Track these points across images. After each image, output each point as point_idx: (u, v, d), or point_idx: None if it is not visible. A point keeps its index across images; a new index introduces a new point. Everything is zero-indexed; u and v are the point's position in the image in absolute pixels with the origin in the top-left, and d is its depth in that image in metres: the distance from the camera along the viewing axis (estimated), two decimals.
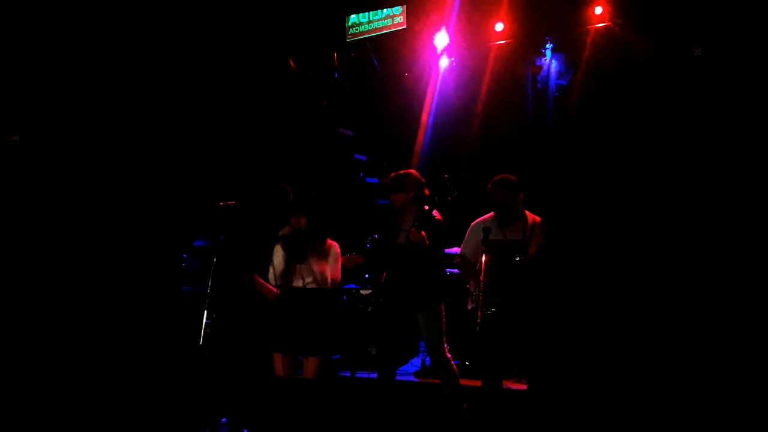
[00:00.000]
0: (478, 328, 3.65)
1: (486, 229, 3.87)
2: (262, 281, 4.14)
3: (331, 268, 4.07)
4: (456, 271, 5.21)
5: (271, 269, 4.12)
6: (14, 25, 5.06)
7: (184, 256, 5.36)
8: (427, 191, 4.16)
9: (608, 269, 3.81)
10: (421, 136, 7.21)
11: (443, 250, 4.20)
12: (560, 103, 6.62)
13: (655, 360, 3.87)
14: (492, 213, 4.15)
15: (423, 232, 3.89)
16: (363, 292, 5.64)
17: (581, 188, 5.52)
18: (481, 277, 3.67)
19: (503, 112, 6.77)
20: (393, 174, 4.16)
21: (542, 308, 3.78)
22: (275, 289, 4.08)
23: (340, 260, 4.17)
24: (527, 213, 4.09)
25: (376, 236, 5.36)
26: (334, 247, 4.17)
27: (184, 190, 5.57)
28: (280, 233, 4.11)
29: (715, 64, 5.48)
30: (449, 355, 4.09)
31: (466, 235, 4.23)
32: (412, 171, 4.19)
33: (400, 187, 4.09)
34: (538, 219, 4.06)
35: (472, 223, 4.21)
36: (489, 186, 4.08)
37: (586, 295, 3.64)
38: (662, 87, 5.70)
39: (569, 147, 5.90)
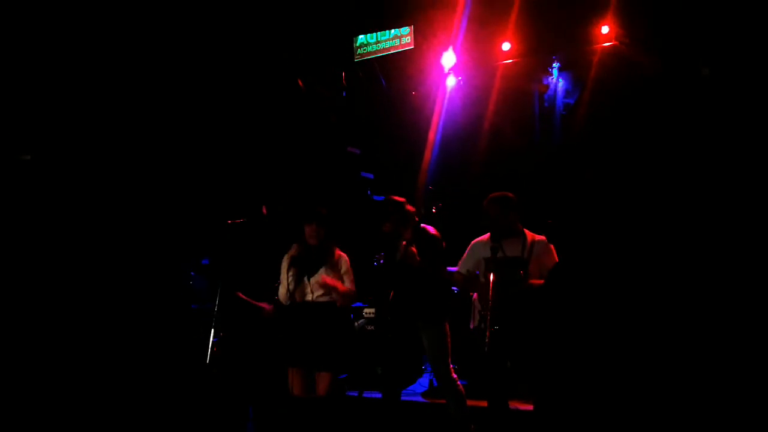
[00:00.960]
0: (486, 348, 3.65)
1: (494, 248, 3.89)
2: (247, 298, 4.17)
3: (347, 279, 4.12)
4: (455, 288, 5.17)
5: (280, 288, 4.17)
6: (19, 31, 5.09)
7: (192, 274, 5.40)
8: (410, 207, 4.19)
9: (620, 287, 3.80)
10: (428, 154, 7.26)
11: (443, 265, 4.18)
12: (567, 122, 6.65)
13: (667, 382, 3.84)
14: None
15: (414, 249, 3.92)
16: (368, 311, 5.64)
17: (591, 205, 5.51)
18: (490, 295, 3.68)
19: (510, 131, 6.81)
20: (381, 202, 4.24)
21: (554, 326, 3.78)
22: (266, 305, 4.13)
23: (351, 272, 4.20)
24: (527, 232, 4.09)
25: (382, 256, 5.36)
26: (344, 258, 4.21)
27: (191, 207, 5.63)
28: (288, 255, 4.17)
29: (723, 83, 5.49)
30: (455, 375, 4.09)
31: (465, 253, 4.23)
32: (389, 197, 4.23)
33: (384, 215, 4.14)
34: (538, 238, 4.05)
35: (473, 241, 4.22)
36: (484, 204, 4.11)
37: (600, 314, 3.64)
38: (669, 106, 5.71)
39: (593, 168, 5.89)
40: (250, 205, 5.51)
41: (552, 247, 4.01)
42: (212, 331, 4.13)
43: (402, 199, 4.21)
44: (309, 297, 4.09)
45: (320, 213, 4.15)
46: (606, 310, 3.65)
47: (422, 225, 4.17)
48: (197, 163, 5.78)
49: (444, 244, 4.16)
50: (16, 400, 4.40)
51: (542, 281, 3.86)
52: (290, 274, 4.14)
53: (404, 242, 3.99)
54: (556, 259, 3.95)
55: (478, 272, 4.13)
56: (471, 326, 4.20)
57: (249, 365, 4.80)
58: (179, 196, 5.62)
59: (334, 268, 4.12)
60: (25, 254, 4.99)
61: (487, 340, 3.64)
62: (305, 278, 4.12)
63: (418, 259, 3.93)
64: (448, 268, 4.73)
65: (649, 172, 5.55)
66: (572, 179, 6.06)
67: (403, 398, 4.40)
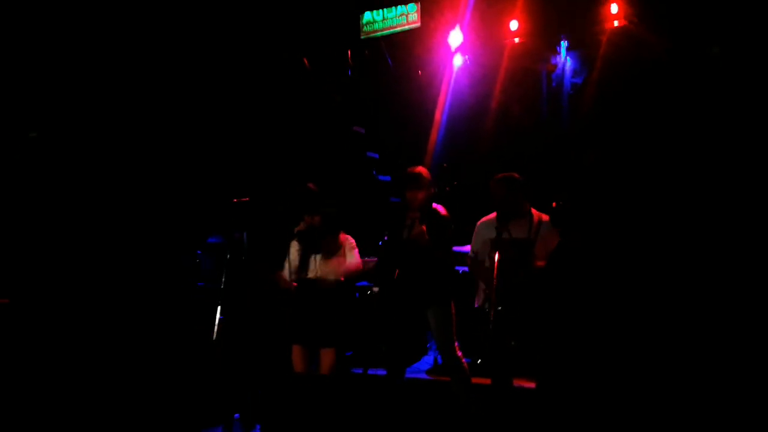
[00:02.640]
0: (490, 326, 3.69)
1: (499, 229, 3.92)
2: (286, 278, 4.23)
3: (350, 258, 4.20)
4: (465, 268, 5.24)
5: (286, 264, 4.23)
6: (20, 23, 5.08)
7: (199, 252, 5.48)
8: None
9: (620, 269, 3.82)
10: (435, 134, 7.23)
11: (450, 246, 4.22)
12: (575, 102, 6.61)
13: (668, 362, 3.87)
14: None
15: (424, 227, 3.94)
16: (375, 289, 5.68)
17: (596, 187, 5.50)
18: (494, 275, 3.71)
19: (517, 110, 6.78)
20: (409, 171, 4.16)
21: (555, 307, 3.81)
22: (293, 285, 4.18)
23: (356, 249, 4.26)
24: (533, 211, 4.11)
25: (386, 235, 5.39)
26: (349, 239, 4.28)
27: (197, 187, 5.65)
28: (295, 230, 4.23)
29: (733, 62, 5.42)
30: (460, 353, 4.13)
31: (474, 234, 4.26)
32: (423, 168, 4.21)
33: (420, 184, 4.10)
34: (545, 217, 4.07)
35: (479, 222, 4.25)
36: (490, 184, 4.13)
37: (601, 295, 3.66)
38: (679, 86, 5.65)
39: (596, 150, 5.87)
40: (254, 184, 5.55)
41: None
42: (219, 309, 4.18)
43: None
44: (313, 274, 4.17)
45: (316, 200, 4.18)
46: (605, 292, 3.69)
47: (433, 205, 4.18)
48: (201, 143, 5.77)
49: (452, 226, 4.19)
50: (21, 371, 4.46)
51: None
52: (295, 250, 4.21)
53: (415, 220, 3.99)
54: None
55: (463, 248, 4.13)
56: (476, 305, 4.25)
57: (253, 343, 4.85)
58: (184, 175, 5.64)
59: (337, 249, 4.19)
60: (21, 229, 5.03)
61: (491, 319, 3.68)
62: (311, 256, 4.18)
63: (426, 237, 3.95)
64: (456, 249, 4.74)
65: (657, 154, 5.52)
66: (578, 160, 6.04)
67: (407, 376, 4.45)
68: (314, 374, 4.15)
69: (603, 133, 6.06)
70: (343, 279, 4.17)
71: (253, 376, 4.69)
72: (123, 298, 5.11)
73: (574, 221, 3.92)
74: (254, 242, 4.88)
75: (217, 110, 5.93)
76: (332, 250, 4.21)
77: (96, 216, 5.30)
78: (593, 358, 3.71)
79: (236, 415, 4.50)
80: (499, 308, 3.80)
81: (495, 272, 3.72)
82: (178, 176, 5.62)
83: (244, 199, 4.42)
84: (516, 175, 4.10)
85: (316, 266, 4.18)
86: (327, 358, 4.10)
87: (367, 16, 6.97)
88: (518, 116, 6.74)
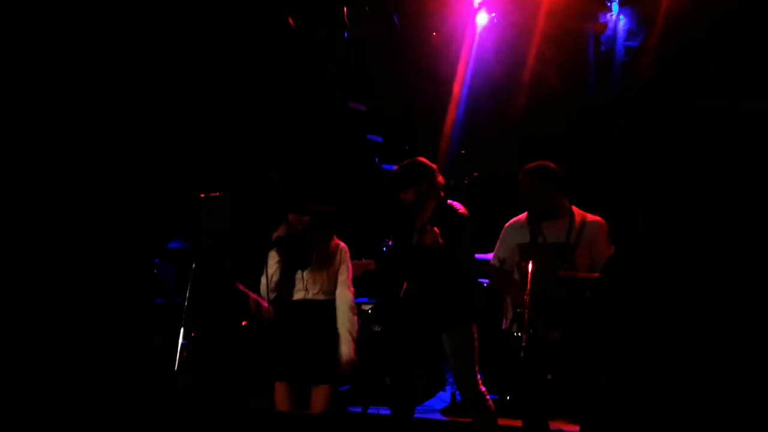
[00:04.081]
0: (521, 355, 3.72)
1: (533, 231, 3.97)
2: (249, 292, 4.28)
3: (343, 273, 4.21)
4: (486, 281, 5.27)
5: (263, 279, 4.23)
6: None
7: (156, 261, 5.48)
8: (441, 178, 4.26)
9: (701, 286, 3.82)
10: (453, 112, 7.28)
11: (471, 254, 4.28)
12: (629, 70, 6.65)
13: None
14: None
15: (437, 230, 3.97)
16: (366, 306, 5.76)
17: (659, 181, 5.51)
18: (527, 291, 3.75)
19: (557, 82, 6.83)
20: (397, 167, 4.27)
21: (606, 333, 3.83)
22: (265, 302, 4.20)
23: (351, 267, 4.28)
24: (574, 209, 4.14)
25: (391, 240, 5.47)
26: (342, 249, 4.28)
27: (154, 177, 5.59)
28: (274, 235, 4.24)
29: None
30: (483, 388, 4.15)
31: (500, 238, 4.30)
32: (419, 158, 4.28)
33: (407, 180, 4.17)
34: (589, 217, 4.11)
35: (507, 224, 4.30)
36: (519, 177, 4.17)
37: (670, 319, 3.67)
38: (760, 49, 5.68)
39: (627, 122, 5.87)
40: (227, 175, 5.56)
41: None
42: (182, 331, 4.19)
43: (433, 166, 4.25)
44: (302, 294, 4.19)
45: (306, 196, 4.21)
46: (678, 314, 3.68)
47: (449, 201, 4.24)
48: (159, 122, 5.69)
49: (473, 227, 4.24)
50: None
51: (594, 274, 3.88)
52: (275, 262, 4.21)
53: (425, 221, 4.06)
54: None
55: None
56: (503, 326, 4.28)
57: (226, 375, 4.89)
58: (138, 163, 5.53)
59: (330, 260, 4.20)
60: None
61: (522, 345, 3.72)
62: (296, 271, 4.21)
63: (441, 242, 3.99)
64: (479, 256, 4.79)
65: (737, 134, 5.53)
66: (635, 143, 6.08)
67: (418, 415, 4.50)
68: (303, 414, 4.19)
69: (665, 110, 6.07)
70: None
71: (225, 419, 4.69)
72: (56, 319, 4.94)
73: (638, 223, 3.96)
74: (225, 247, 4.96)
75: (177, 80, 5.82)
76: (323, 261, 4.21)
77: (26, 213, 5.23)
78: (657, 399, 3.75)
79: None
80: (532, 331, 3.80)
81: (528, 286, 3.76)
82: (130, 164, 5.48)
83: (214, 194, 4.42)
84: (551, 165, 4.13)
85: (304, 283, 4.19)
86: (319, 396, 4.14)
87: None
88: (558, 89, 6.77)
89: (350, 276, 4.27)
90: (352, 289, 4.27)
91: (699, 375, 3.66)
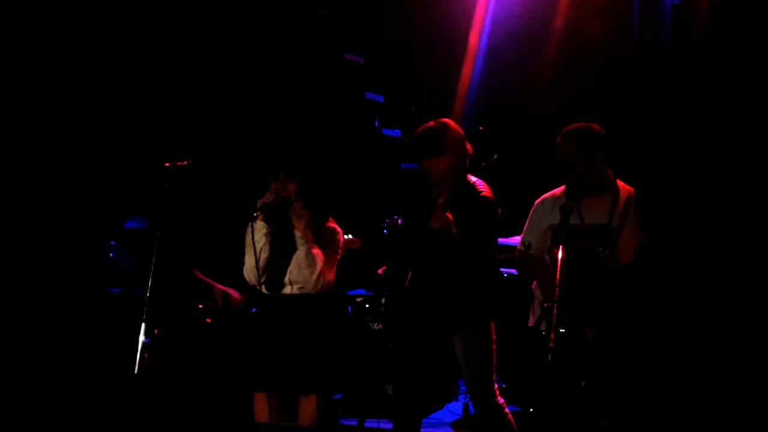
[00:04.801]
0: (549, 358, 3.63)
1: (566, 209, 3.89)
2: (212, 281, 4.22)
3: (325, 260, 4.14)
4: (514, 271, 5.34)
5: (248, 259, 4.19)
6: None
7: (112, 243, 5.41)
8: (470, 147, 4.21)
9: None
10: (469, 67, 7.22)
11: (492, 241, 4.23)
12: (682, 16, 6.53)
13: None
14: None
15: (449, 215, 3.93)
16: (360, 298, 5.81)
17: (710, 156, 5.40)
18: (556, 282, 3.68)
19: (594, 31, 6.72)
20: (422, 128, 4.19)
21: (646, 331, 3.86)
22: (235, 293, 4.20)
23: (339, 253, 4.25)
24: (620, 184, 4.13)
25: (398, 219, 5.47)
26: (335, 231, 4.26)
27: (108, 143, 5.54)
28: (259, 203, 4.16)
29: None
30: (501, 399, 4.14)
31: (529, 217, 4.30)
32: (447, 120, 4.24)
33: (439, 146, 4.09)
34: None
35: (537, 200, 4.30)
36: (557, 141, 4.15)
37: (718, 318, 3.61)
38: None
39: (678, 84, 5.69)
40: (198, 140, 5.46)
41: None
42: (143, 328, 4.11)
43: (460, 131, 4.17)
44: (285, 288, 4.17)
45: (293, 160, 4.17)
46: (728, 307, 3.64)
47: (470, 177, 4.19)
48: (111, 76, 5.62)
49: (499, 210, 4.17)
50: None
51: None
52: (263, 236, 4.15)
53: (440, 200, 4.02)
54: None
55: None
56: (529, 323, 4.29)
57: (195, 379, 4.85)
58: (87, 126, 5.49)
59: (321, 246, 4.16)
60: None
61: (550, 346, 3.61)
62: (280, 256, 4.15)
63: (454, 230, 3.94)
64: (502, 241, 4.87)
65: None
66: (686, 111, 5.94)
67: (424, 430, 4.44)
68: (288, 426, 4.21)
69: (725, 65, 5.90)
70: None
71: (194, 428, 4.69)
72: None
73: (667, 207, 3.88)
74: (193, 230, 4.81)
75: (132, 24, 5.77)
76: (315, 240, 4.17)
77: None
78: (704, 406, 3.72)
79: None
80: (562, 330, 3.77)
81: (558, 275, 3.68)
82: (78, 127, 5.46)
83: (180, 163, 4.32)
84: (597, 127, 4.09)
85: (287, 274, 4.15)
86: (308, 407, 4.13)
87: None
88: (596, 39, 6.68)
89: (334, 264, 4.22)
90: (331, 275, 4.20)
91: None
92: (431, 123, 4.20)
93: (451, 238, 3.95)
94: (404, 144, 4.38)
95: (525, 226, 4.32)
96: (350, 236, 5.09)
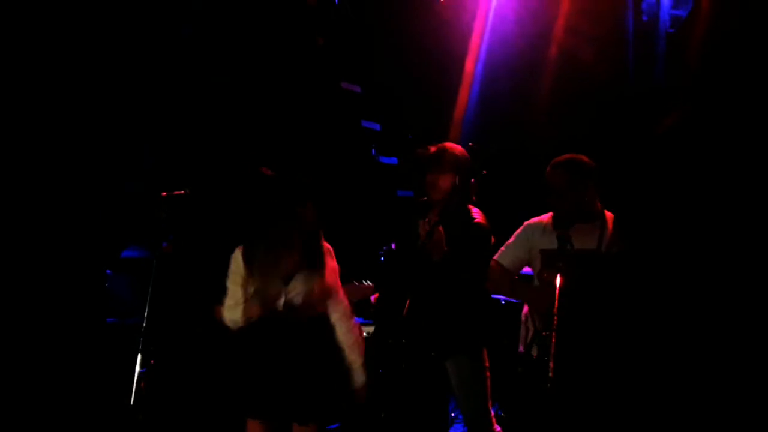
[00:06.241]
0: (547, 386, 3.65)
1: (562, 237, 3.89)
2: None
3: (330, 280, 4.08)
4: (512, 299, 5.32)
5: (230, 288, 4.06)
6: None
7: (108, 272, 5.44)
8: (474, 185, 4.35)
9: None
10: (465, 94, 7.28)
11: (484, 269, 4.24)
12: (676, 45, 6.62)
13: None
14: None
15: (441, 229, 3.96)
16: (369, 329, 5.71)
17: (697, 174, 5.45)
18: (555, 309, 3.69)
19: (590, 58, 6.78)
20: (439, 145, 4.33)
21: (638, 357, 3.82)
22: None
23: (337, 270, 4.13)
24: (607, 214, 4.18)
25: (393, 245, 5.40)
26: (329, 252, 4.17)
27: (106, 173, 5.56)
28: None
29: None
30: (498, 427, 4.17)
31: (514, 236, 4.31)
32: (454, 145, 4.36)
33: (450, 164, 4.23)
34: None
35: (526, 222, 4.31)
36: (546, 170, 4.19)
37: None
38: None
39: (673, 110, 5.79)
40: (195, 170, 5.59)
41: None
42: (139, 358, 4.18)
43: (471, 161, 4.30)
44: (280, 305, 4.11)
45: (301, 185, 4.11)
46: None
47: (468, 205, 4.28)
48: (110, 103, 5.64)
49: (493, 238, 4.26)
50: None
51: None
52: (253, 270, 4.06)
53: (430, 222, 4.05)
54: None
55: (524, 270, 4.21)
56: (520, 349, 4.25)
57: (190, 408, 4.89)
58: (84, 155, 5.49)
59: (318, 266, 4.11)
60: None
61: (550, 375, 3.63)
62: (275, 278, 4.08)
63: (445, 248, 3.99)
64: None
65: None
66: (681, 137, 6.00)
67: None
68: None
69: (721, 96, 5.98)
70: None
71: None
72: None
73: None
74: (193, 258, 4.86)
75: (134, 53, 5.81)
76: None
77: None
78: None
79: None
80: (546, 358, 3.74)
81: (557, 303, 3.70)
82: (75, 155, 5.43)
83: (178, 192, 4.40)
84: (585, 159, 4.14)
85: (286, 293, 4.07)
86: None
87: None
88: (591, 66, 6.74)
89: (338, 281, 4.14)
90: (346, 300, 4.11)
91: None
92: (447, 143, 4.34)
93: (440, 254, 4.00)
94: (416, 155, 4.43)
95: (508, 244, 4.31)
96: (368, 282, 5.13)
